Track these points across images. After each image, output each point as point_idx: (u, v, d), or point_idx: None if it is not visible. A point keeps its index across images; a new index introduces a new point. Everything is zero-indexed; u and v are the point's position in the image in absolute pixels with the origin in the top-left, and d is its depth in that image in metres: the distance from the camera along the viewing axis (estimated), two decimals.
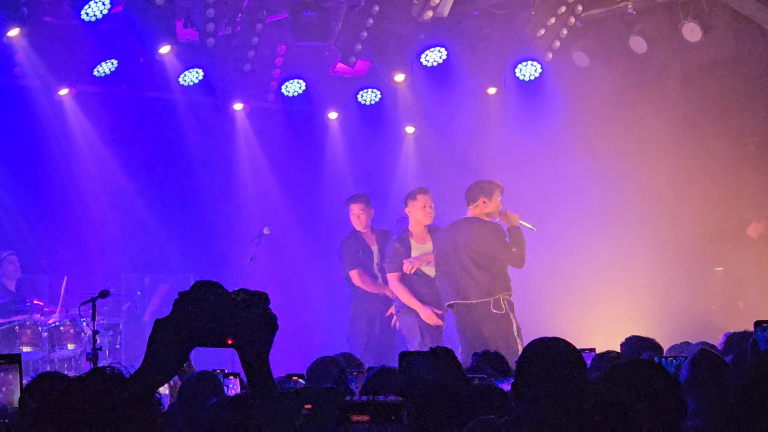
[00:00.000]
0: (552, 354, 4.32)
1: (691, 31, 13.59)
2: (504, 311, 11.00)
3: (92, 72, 12.77)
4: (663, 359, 6.21)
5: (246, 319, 2.94)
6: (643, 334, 7.66)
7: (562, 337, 4.40)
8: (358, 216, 12.59)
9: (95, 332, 10.45)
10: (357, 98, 14.86)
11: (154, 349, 2.97)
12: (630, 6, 13.93)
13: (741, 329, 7.55)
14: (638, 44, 14.07)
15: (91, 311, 10.49)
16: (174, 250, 13.89)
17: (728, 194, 13.73)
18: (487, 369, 6.59)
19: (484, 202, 11.30)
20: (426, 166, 15.43)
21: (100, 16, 11.74)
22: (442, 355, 5.25)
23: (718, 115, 13.98)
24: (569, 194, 14.26)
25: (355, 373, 6.85)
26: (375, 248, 12.66)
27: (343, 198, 13.11)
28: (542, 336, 4.43)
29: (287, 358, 13.70)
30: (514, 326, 11.02)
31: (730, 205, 13.80)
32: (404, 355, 5.19)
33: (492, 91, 14.84)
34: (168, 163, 14.24)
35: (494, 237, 11.15)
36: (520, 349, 9.88)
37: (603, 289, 13.69)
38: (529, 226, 11.50)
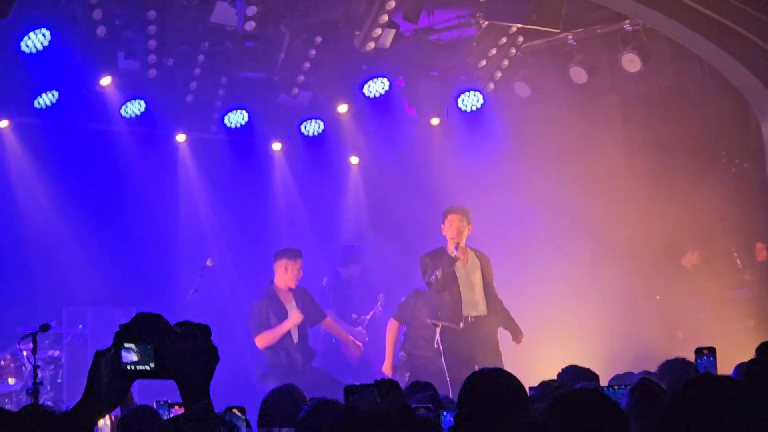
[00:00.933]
0: (493, 385, 4.32)
1: (631, 62, 13.76)
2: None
3: (33, 103, 12.67)
4: (605, 388, 6.24)
5: (187, 351, 2.94)
6: (586, 363, 7.68)
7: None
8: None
9: (36, 367, 10.32)
10: (300, 129, 14.85)
11: (94, 382, 2.95)
12: (570, 37, 14.08)
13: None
14: (578, 75, 14.22)
15: (31, 345, 10.36)
16: (117, 283, 13.76)
17: (666, 222, 13.86)
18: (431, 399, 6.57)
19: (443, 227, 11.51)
20: (372, 196, 15.45)
21: (40, 47, 11.69)
22: (385, 386, 5.24)
23: (656, 145, 14.14)
24: (513, 223, 14.33)
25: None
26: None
27: (289, 228, 13.11)
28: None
29: (228, 390, 13.64)
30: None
31: (669, 232, 13.93)
32: (349, 389, 5.19)
33: (435, 121, 14.92)
34: (110, 195, 14.12)
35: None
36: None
37: (544, 317, 13.73)
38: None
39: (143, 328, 2.92)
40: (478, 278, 11.48)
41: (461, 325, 11.24)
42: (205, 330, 2.97)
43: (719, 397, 3.69)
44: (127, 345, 2.91)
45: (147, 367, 2.91)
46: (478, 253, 11.67)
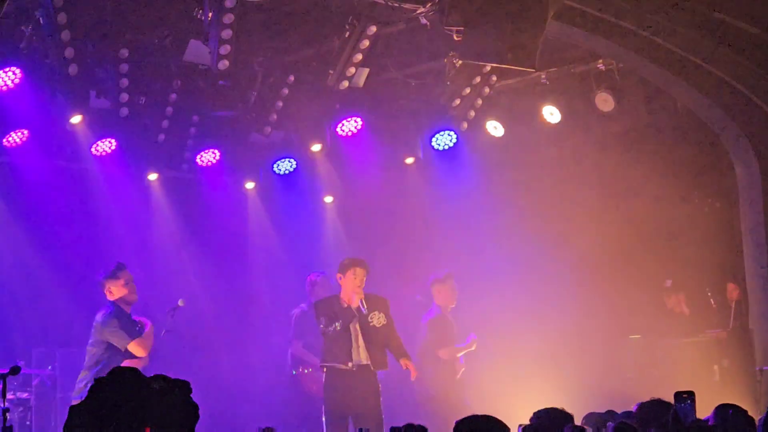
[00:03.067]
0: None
1: (604, 101, 13.80)
2: None
3: (1, 141, 12.55)
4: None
5: (165, 408, 2.86)
6: (560, 404, 7.62)
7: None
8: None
9: (5, 410, 10.15)
10: (273, 168, 14.78)
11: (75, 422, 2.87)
12: (543, 76, 14.10)
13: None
14: (552, 114, 14.23)
15: (0, 388, 10.19)
16: (87, 324, 13.57)
17: (645, 261, 13.87)
18: None
19: (339, 278, 11.78)
20: (347, 235, 15.39)
21: (11, 85, 11.60)
22: None
23: (630, 182, 14.16)
24: (485, 261, 14.32)
25: None
26: None
27: (265, 265, 13.07)
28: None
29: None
30: None
31: (647, 271, 13.93)
32: None
33: (410, 160, 14.88)
34: (81, 234, 13.98)
35: None
36: None
37: (516, 358, 13.69)
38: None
39: (120, 382, 2.84)
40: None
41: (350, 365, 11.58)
42: (185, 386, 2.90)
43: None
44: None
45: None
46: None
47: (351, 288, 11.61)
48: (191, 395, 2.95)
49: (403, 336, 12.11)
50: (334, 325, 11.46)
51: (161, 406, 2.86)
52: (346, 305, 11.61)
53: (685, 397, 6.20)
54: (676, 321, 13.74)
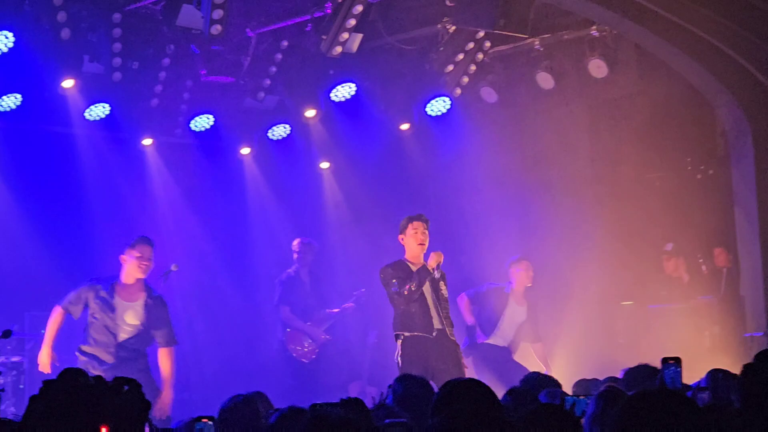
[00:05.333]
0: (467, 395, 4.31)
1: (597, 68, 13.82)
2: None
3: None
4: (572, 397, 6.22)
5: (118, 406, 2.91)
6: (552, 370, 7.71)
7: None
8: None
9: None
10: (267, 134, 14.78)
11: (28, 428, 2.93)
12: (537, 43, 14.10)
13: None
14: (545, 80, 14.25)
15: None
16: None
17: (638, 227, 13.89)
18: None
19: (401, 239, 10.97)
20: (345, 199, 15.42)
21: (5, 49, 11.57)
22: (351, 404, 5.24)
23: (623, 149, 14.18)
24: (480, 228, 14.36)
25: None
26: None
27: (263, 230, 13.09)
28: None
29: (199, 398, 13.58)
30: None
31: (640, 237, 13.96)
32: (314, 406, 5.19)
33: (405, 126, 14.88)
34: (74, 199, 13.99)
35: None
36: None
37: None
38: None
39: (70, 383, 2.90)
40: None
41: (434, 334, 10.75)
42: (134, 384, 2.95)
43: (667, 412, 3.73)
44: None
45: None
46: None
47: (414, 245, 10.79)
48: (142, 391, 3.01)
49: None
50: (408, 286, 10.62)
51: (114, 405, 2.90)
52: (414, 267, 10.79)
53: (672, 363, 6.23)
54: (674, 286, 13.75)
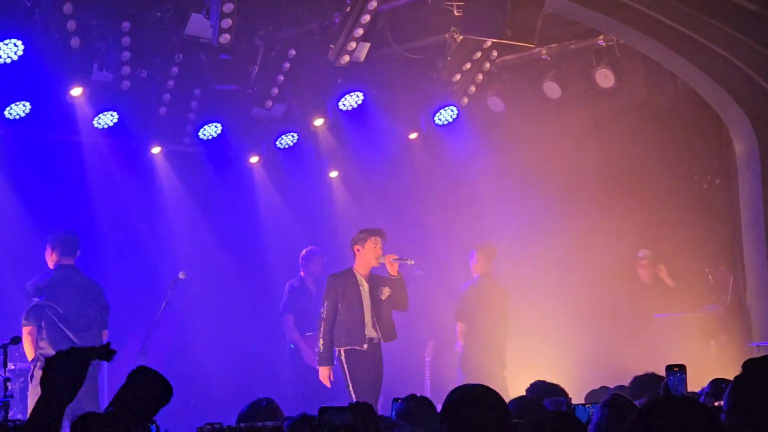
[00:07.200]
0: (477, 401, 4.33)
1: (604, 78, 13.84)
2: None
3: (3, 114, 12.59)
4: (577, 406, 6.25)
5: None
6: (556, 378, 7.72)
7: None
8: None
9: (6, 379, 10.25)
10: (275, 143, 14.81)
11: (49, 382, 3.01)
12: (544, 52, 14.13)
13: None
14: (552, 90, 14.28)
15: (1, 357, 10.28)
16: None
17: (638, 238, 13.90)
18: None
19: (357, 250, 11.47)
20: (354, 208, 15.44)
21: (15, 57, 11.61)
22: (360, 409, 5.25)
23: (630, 158, 14.19)
24: (485, 236, 14.36)
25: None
26: None
27: (270, 241, 13.12)
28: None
29: (206, 404, 13.61)
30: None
31: (646, 246, 13.97)
32: (323, 410, 5.20)
33: (413, 136, 14.95)
34: (83, 207, 14.02)
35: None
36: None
37: (519, 331, 13.76)
38: (409, 261, 11.55)
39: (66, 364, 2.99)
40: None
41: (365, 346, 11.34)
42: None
43: (680, 418, 3.73)
44: None
45: None
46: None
47: (371, 259, 11.41)
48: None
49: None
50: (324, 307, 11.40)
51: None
52: (362, 277, 11.45)
53: (676, 371, 6.28)
54: (666, 294, 13.74)
